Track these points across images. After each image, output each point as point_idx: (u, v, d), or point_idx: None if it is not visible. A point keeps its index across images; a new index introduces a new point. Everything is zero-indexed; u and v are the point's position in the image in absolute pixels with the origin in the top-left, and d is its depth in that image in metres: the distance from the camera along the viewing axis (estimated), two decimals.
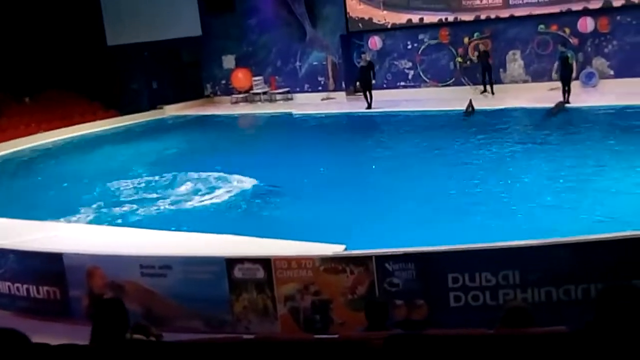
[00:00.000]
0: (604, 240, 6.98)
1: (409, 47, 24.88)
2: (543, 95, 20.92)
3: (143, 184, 15.29)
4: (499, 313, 4.87)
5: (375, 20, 25.21)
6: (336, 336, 5.03)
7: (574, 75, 20.39)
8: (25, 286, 8.65)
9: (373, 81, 23.10)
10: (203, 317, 7.80)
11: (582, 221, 10.12)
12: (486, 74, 22.53)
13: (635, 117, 17.15)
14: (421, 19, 24.40)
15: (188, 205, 13.38)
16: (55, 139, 23.34)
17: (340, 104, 25.20)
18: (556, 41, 21.83)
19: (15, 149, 22.02)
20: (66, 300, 8.45)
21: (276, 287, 7.51)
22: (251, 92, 27.55)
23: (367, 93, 22.79)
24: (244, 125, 25.45)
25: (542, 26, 22.48)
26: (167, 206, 13.36)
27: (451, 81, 24.12)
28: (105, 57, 26.10)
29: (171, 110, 27.13)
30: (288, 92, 27.16)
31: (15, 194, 15.88)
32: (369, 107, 22.72)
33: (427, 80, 24.61)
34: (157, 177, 15.70)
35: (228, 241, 9.95)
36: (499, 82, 22.93)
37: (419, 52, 24.65)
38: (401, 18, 24.72)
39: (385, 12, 24.93)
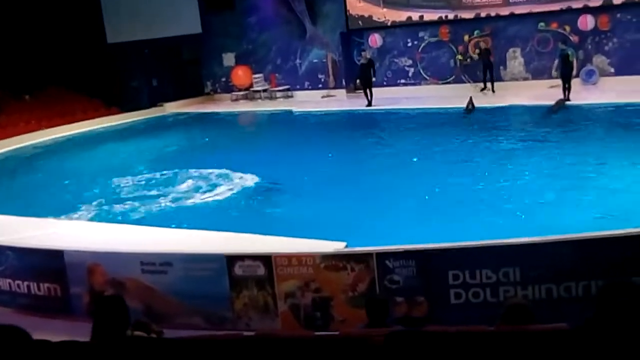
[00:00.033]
0: (605, 237, 6.99)
1: (409, 44, 24.87)
2: (543, 92, 20.92)
3: (144, 181, 15.30)
4: (500, 310, 4.87)
5: (375, 18, 25.20)
6: (337, 333, 5.03)
7: (574, 72, 20.39)
8: (26, 283, 8.65)
9: (373, 79, 23.10)
10: (203, 314, 7.81)
11: (583, 218, 10.12)
12: (487, 71, 22.54)
13: (636, 115, 17.15)
14: (421, 17, 24.39)
15: (188, 202, 13.39)
16: (56, 136, 23.35)
17: (340, 101, 25.20)
18: (556, 39, 21.83)
19: (15, 147, 22.01)
20: (67, 297, 8.46)
21: (277, 284, 7.51)
22: (251, 89, 27.55)
23: (368, 90, 22.79)
24: (244, 123, 25.45)
25: (542, 24, 22.47)
26: (167, 203, 13.37)
27: (451, 79, 24.12)
28: (106, 54, 26.09)
29: (171, 108, 27.13)
30: (288, 89, 27.17)
31: (16, 191, 15.89)
32: (369, 104, 22.72)
33: (428, 78, 24.61)
34: (157, 175, 15.71)
35: (228, 238, 9.96)
36: (499, 79, 22.92)
37: (419, 50, 24.64)
38: (401, 15, 24.71)
39: (385, 9, 24.92)
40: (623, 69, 21.37)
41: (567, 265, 6.85)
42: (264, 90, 27.33)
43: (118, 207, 13.33)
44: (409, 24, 24.68)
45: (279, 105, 25.90)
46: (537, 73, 22.71)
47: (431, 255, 7.23)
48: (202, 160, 16.58)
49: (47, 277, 8.54)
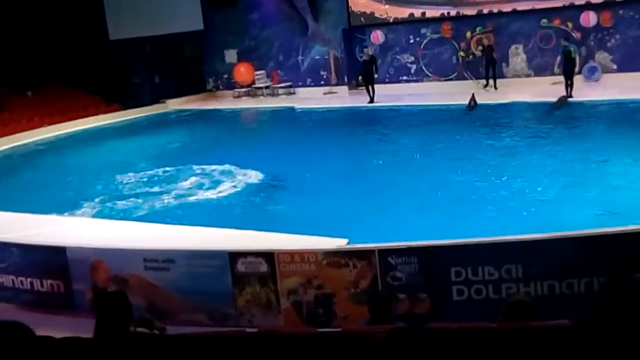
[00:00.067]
0: (607, 234, 6.99)
1: (411, 41, 24.86)
2: (546, 89, 20.90)
3: (146, 178, 15.31)
4: (502, 307, 4.88)
5: (377, 15, 25.19)
6: (339, 330, 5.04)
7: (576, 69, 20.36)
8: (29, 279, 8.67)
9: (375, 75, 23.09)
10: (206, 310, 7.82)
11: (585, 215, 10.11)
12: (490, 68, 22.52)
13: (638, 111, 17.14)
14: (423, 13, 24.37)
15: (191, 199, 13.39)
16: (58, 133, 23.37)
17: (342, 98, 25.20)
18: (559, 35, 21.80)
19: (17, 143, 22.04)
20: (70, 294, 8.48)
21: (279, 280, 7.52)
22: (253, 86, 27.56)
23: (370, 87, 22.79)
24: (247, 120, 25.44)
25: (544, 20, 22.45)
26: (170, 200, 13.38)
27: (454, 75, 24.11)
28: (108, 51, 26.12)
29: (173, 105, 27.14)
30: (290, 86, 27.17)
31: (18, 187, 15.91)
32: (372, 101, 22.71)
33: (430, 75, 24.60)
34: (160, 171, 15.72)
35: (231, 235, 9.96)
36: (502, 76, 22.91)
37: (422, 47, 24.63)
38: (403, 12, 24.70)
39: (387, 6, 24.91)
40: (625, 65, 21.35)
41: (570, 262, 6.85)
42: (266, 87, 27.34)
43: (121, 204, 13.34)
44: (411, 21, 24.67)
45: (281, 102, 25.90)
46: (540, 70, 22.69)
47: (433, 252, 7.23)
48: (205, 157, 16.59)
49: (50, 274, 8.55)
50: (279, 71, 27.52)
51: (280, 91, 27.16)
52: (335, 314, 7.39)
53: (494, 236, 7.42)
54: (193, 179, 14.73)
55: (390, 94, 23.14)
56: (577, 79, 20.32)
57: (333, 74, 26.43)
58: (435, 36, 24.32)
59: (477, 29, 23.45)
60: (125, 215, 12.58)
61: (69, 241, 9.09)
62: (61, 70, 25.76)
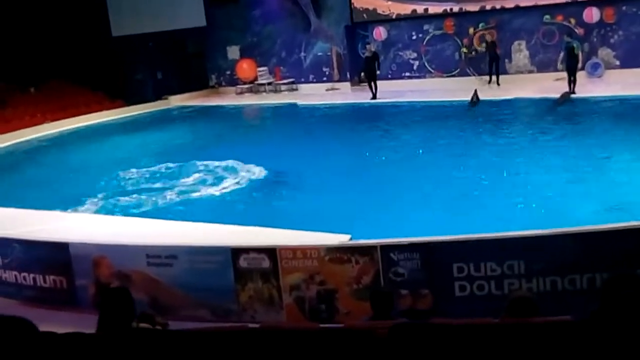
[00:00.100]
0: (609, 230, 6.98)
1: (414, 37, 24.82)
2: (548, 85, 20.88)
3: (149, 174, 15.33)
4: (504, 303, 4.88)
5: (379, 11, 25.14)
6: (341, 325, 5.05)
7: (579, 65, 20.33)
8: (32, 275, 8.68)
9: (378, 72, 23.06)
10: (209, 306, 7.83)
11: (588, 211, 10.11)
12: (493, 64, 22.48)
13: None
14: (426, 10, 24.33)
15: (194, 195, 13.41)
16: (61, 129, 23.39)
17: (345, 94, 25.18)
18: (562, 31, 21.77)
19: (20, 140, 22.07)
20: (73, 290, 8.49)
21: (282, 276, 7.53)
22: (256, 82, 27.54)
23: (372, 83, 22.77)
24: (249, 116, 25.45)
25: (547, 16, 22.40)
26: (173, 196, 13.40)
27: (456, 72, 24.07)
28: (110, 47, 26.09)
29: (176, 101, 27.14)
30: (293, 82, 27.15)
31: (21, 184, 15.93)
32: (374, 97, 22.70)
33: (432, 71, 24.57)
34: (163, 168, 15.74)
35: (233, 231, 9.98)
36: (504, 72, 22.87)
37: (424, 43, 24.60)
38: (406, 8, 24.66)
39: (389, 2, 24.87)
40: (628, 61, 21.31)
41: (572, 258, 6.85)
42: (269, 84, 27.32)
43: (123, 200, 13.37)
44: (413, 17, 24.63)
45: (283, 98, 25.89)
46: (543, 66, 22.66)
47: (436, 248, 7.23)
48: (208, 153, 16.59)
49: (53, 270, 8.57)
50: (281, 67, 27.50)
51: (283, 87, 27.14)
52: (337, 309, 7.40)
53: (496, 232, 7.42)
54: (196, 175, 14.75)
55: (393, 91, 23.12)
56: (580, 75, 20.27)
57: (335, 71, 26.42)
58: (437, 32, 24.28)
59: (480, 25, 23.41)
60: (128, 211, 12.60)
61: (72, 237, 9.12)
62: (64, 66, 25.76)
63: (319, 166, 14.65)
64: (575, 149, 14.18)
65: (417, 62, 24.85)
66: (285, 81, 27.23)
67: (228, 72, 28.56)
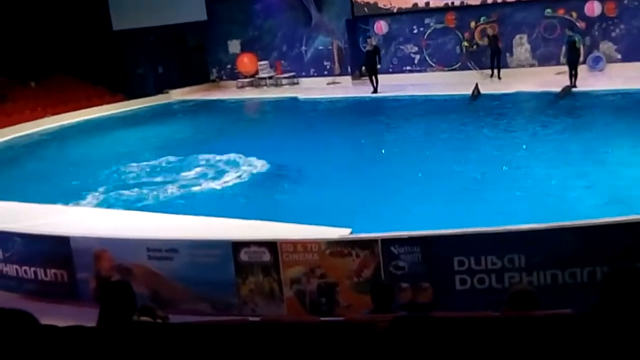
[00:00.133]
0: (610, 223, 6.98)
1: (415, 31, 24.78)
2: (550, 79, 20.85)
3: (150, 168, 15.33)
4: (505, 296, 4.88)
5: (380, 5, 25.10)
6: (342, 319, 5.05)
7: (581, 59, 20.30)
8: (33, 269, 8.70)
9: (379, 65, 23.03)
10: (209, 300, 7.84)
11: (589, 205, 10.11)
12: (495, 58, 22.44)
13: None
14: (427, 3, 24.28)
15: (195, 189, 13.41)
16: (62, 123, 23.38)
17: (346, 88, 25.16)
18: (563, 25, 21.73)
19: (21, 134, 22.07)
20: (74, 283, 8.51)
21: (282, 270, 7.54)
22: (257, 76, 27.52)
23: (373, 77, 22.75)
24: (250, 110, 25.44)
25: (549, 10, 22.36)
26: (174, 190, 13.40)
27: (457, 65, 24.04)
28: (111, 41, 26.07)
29: (177, 95, 27.13)
30: (294, 76, 27.12)
31: (22, 178, 15.93)
32: (375, 91, 22.69)
33: (433, 65, 24.54)
34: (164, 161, 15.74)
35: (234, 225, 9.98)
36: (506, 66, 22.83)
37: (425, 37, 24.55)
38: (407, 2, 24.61)
39: None
40: (630, 55, 21.27)
41: (572, 251, 6.85)
42: (270, 77, 27.30)
43: (124, 194, 13.37)
44: (414, 11, 24.59)
45: (284, 92, 25.87)
46: (544, 60, 22.63)
47: (436, 242, 7.24)
48: (209, 147, 16.58)
49: (54, 263, 8.58)
50: (282, 61, 27.47)
51: (284, 81, 27.12)
52: (338, 303, 7.41)
53: (497, 226, 7.41)
54: (197, 169, 14.75)
55: (394, 84, 23.10)
56: (581, 69, 20.25)
57: (336, 64, 26.39)
58: (439, 26, 24.24)
59: (482, 19, 23.37)
60: (129, 205, 12.60)
61: (73, 231, 9.12)
62: (64, 60, 25.75)
63: (319, 160, 14.65)
64: (576, 142, 14.17)
65: (418, 56, 24.81)
66: (286, 75, 27.21)
67: (229, 66, 28.54)
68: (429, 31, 24.45)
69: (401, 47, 25.07)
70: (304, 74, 27.00)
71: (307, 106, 23.13)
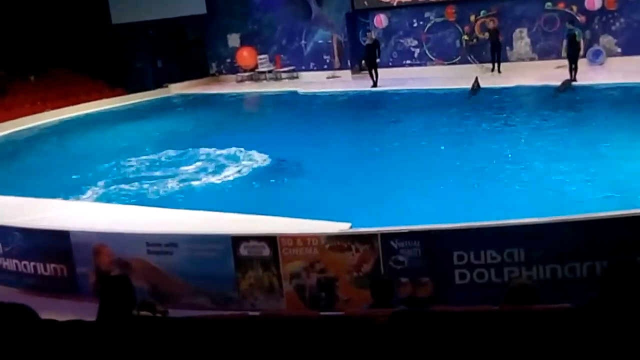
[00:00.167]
0: (610, 217, 6.99)
1: (415, 25, 24.74)
2: (550, 73, 20.82)
3: (150, 163, 15.32)
4: (504, 290, 4.88)
5: None
6: (341, 313, 5.06)
7: (581, 53, 20.27)
8: (32, 263, 8.70)
9: (378, 59, 23.01)
10: (209, 294, 7.84)
11: (589, 199, 10.11)
12: (495, 52, 22.40)
13: None
14: None
15: (194, 183, 13.40)
16: (62, 117, 23.36)
17: (345, 82, 25.14)
18: (563, 19, 21.69)
19: (21, 128, 22.04)
20: (73, 278, 8.51)
21: (282, 264, 7.53)
22: (256, 70, 27.49)
23: (373, 71, 22.72)
24: (250, 104, 25.41)
25: (549, 4, 22.32)
26: (174, 184, 13.40)
27: (457, 59, 24.01)
28: (110, 35, 26.04)
29: (176, 89, 27.10)
30: (293, 70, 27.09)
31: (22, 172, 15.92)
32: (375, 85, 22.66)
33: (433, 59, 24.51)
34: (163, 156, 15.73)
35: (234, 219, 9.97)
36: (506, 60, 22.79)
37: (425, 30, 24.51)
38: None
39: None
40: (630, 49, 21.24)
41: (572, 245, 6.85)
42: (269, 71, 27.27)
43: (124, 188, 13.37)
44: (414, 4, 24.55)
45: (284, 86, 25.84)
46: (544, 53, 22.59)
47: (436, 236, 7.23)
48: (208, 141, 16.57)
49: (54, 258, 8.58)
50: (282, 55, 27.43)
51: (284, 75, 27.09)
52: (337, 297, 7.41)
53: (497, 220, 7.41)
54: (196, 163, 14.74)
55: (394, 78, 23.07)
56: (581, 63, 20.22)
57: (336, 58, 26.36)
58: (439, 20, 24.20)
59: (482, 12, 23.32)
60: (128, 199, 12.60)
61: (73, 225, 9.12)
62: (64, 54, 25.72)
63: (319, 154, 14.63)
64: (576, 136, 14.16)
65: (418, 50, 24.78)
66: (285, 69, 27.18)
67: (228, 60, 28.50)
68: (429, 25, 24.41)
69: (401, 40, 25.03)
70: (303, 67, 26.96)
71: (306, 100, 23.10)
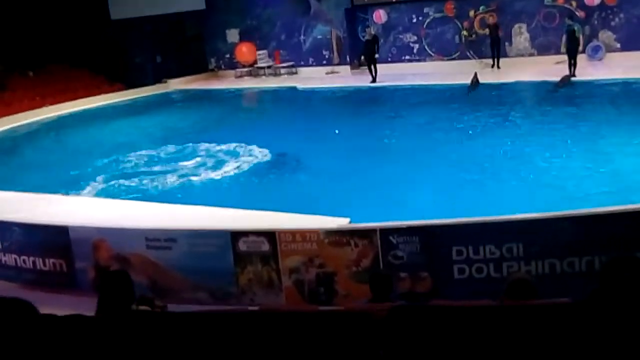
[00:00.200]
0: (608, 213, 6.99)
1: (414, 20, 24.71)
2: (549, 68, 20.82)
3: (149, 158, 15.31)
4: (503, 285, 4.89)
5: None
6: (340, 308, 5.06)
7: (580, 48, 20.25)
8: (31, 258, 8.70)
9: (377, 55, 22.99)
10: (208, 289, 7.85)
11: (589, 194, 10.12)
12: (495, 47, 22.38)
13: None
14: None
15: (194, 178, 13.41)
16: (60, 112, 23.33)
17: (344, 77, 25.11)
18: (563, 14, 21.68)
19: (20, 123, 22.02)
20: (72, 272, 8.51)
21: (281, 259, 7.54)
22: (255, 66, 27.46)
23: (372, 67, 22.71)
24: (249, 100, 25.40)
25: None
26: (173, 179, 13.39)
27: (456, 55, 23.99)
28: (109, 31, 25.99)
29: (175, 85, 27.08)
30: (292, 66, 27.06)
31: (21, 167, 15.92)
32: (374, 80, 22.64)
33: (432, 54, 24.49)
34: (162, 151, 15.72)
35: (233, 214, 9.98)
36: (505, 55, 22.78)
37: (424, 26, 24.49)
38: None
39: None
40: (629, 44, 21.24)
41: (571, 240, 6.86)
42: (268, 67, 27.24)
43: (123, 183, 13.37)
44: (413, 0, 24.50)
45: (283, 81, 25.82)
46: (543, 49, 22.58)
47: (435, 231, 7.24)
48: (207, 136, 16.57)
49: (53, 253, 8.58)
50: (281, 51, 27.40)
51: (283, 71, 27.06)
52: (336, 292, 7.42)
53: (495, 215, 7.42)
54: (196, 158, 14.74)
55: (393, 74, 23.05)
56: (581, 58, 20.21)
57: (335, 54, 26.33)
58: (438, 15, 24.18)
59: (481, 8, 23.30)
60: (127, 194, 12.60)
61: (72, 220, 9.13)
62: (63, 50, 25.68)
63: (318, 149, 14.63)
64: (575, 132, 14.16)
65: (417, 45, 24.76)
66: (284, 64, 27.14)
67: (227, 56, 28.46)
68: (428, 20, 24.38)
69: (400, 36, 25.01)
70: (302, 63, 26.94)
71: (305, 96, 23.10)
